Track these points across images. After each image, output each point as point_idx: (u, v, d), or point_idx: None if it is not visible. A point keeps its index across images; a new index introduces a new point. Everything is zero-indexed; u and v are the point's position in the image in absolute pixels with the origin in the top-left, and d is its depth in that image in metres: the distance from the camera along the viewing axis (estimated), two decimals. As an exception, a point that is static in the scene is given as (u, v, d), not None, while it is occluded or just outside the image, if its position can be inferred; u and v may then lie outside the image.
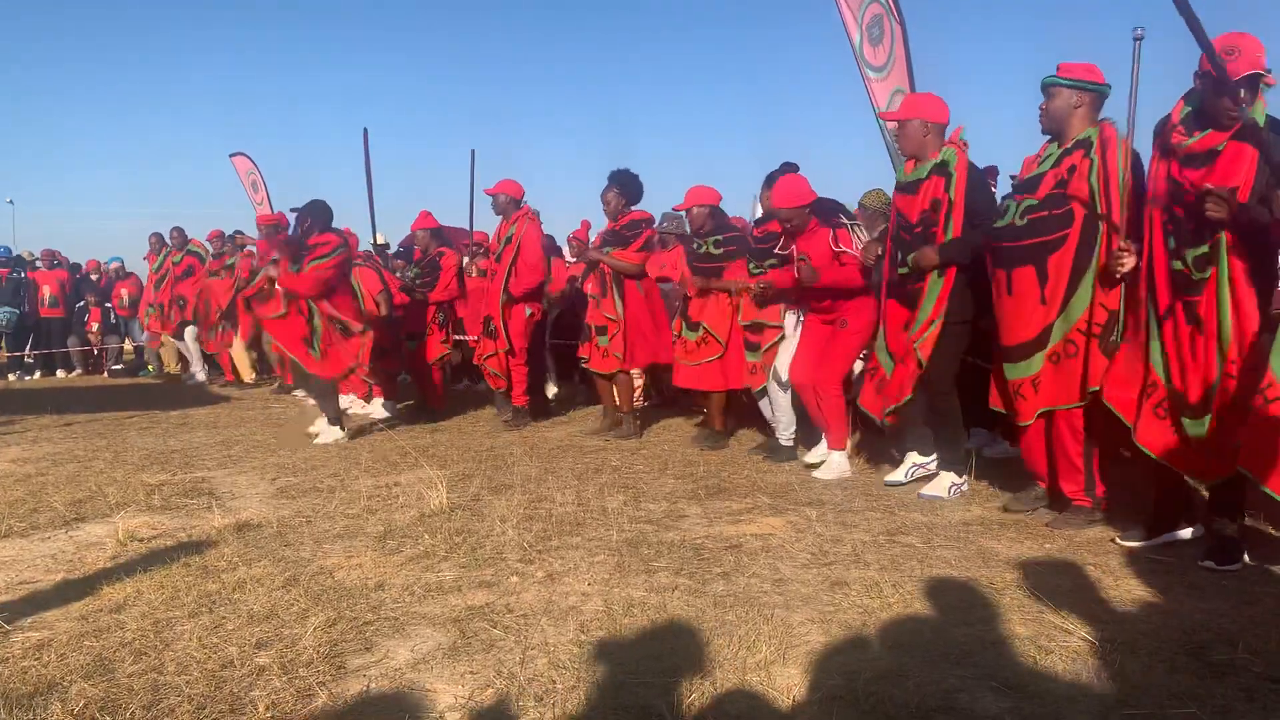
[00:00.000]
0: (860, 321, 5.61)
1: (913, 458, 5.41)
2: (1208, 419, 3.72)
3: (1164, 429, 3.90)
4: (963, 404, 6.19)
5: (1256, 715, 2.54)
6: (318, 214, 7.28)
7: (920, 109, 4.96)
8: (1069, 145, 4.25)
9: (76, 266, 15.62)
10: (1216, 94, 3.59)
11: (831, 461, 5.74)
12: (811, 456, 6.00)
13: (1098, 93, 4.24)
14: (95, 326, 14.81)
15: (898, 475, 5.41)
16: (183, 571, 3.96)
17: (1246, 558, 3.79)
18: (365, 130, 13.06)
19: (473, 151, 8.00)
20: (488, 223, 8.61)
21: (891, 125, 5.10)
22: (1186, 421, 3.80)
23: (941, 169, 4.85)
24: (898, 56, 6.94)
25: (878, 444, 6.11)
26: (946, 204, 4.79)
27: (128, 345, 15.16)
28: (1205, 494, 4.12)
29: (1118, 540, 4.14)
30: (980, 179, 4.96)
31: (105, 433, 8.11)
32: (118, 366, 14.80)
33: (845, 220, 5.64)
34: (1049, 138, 4.40)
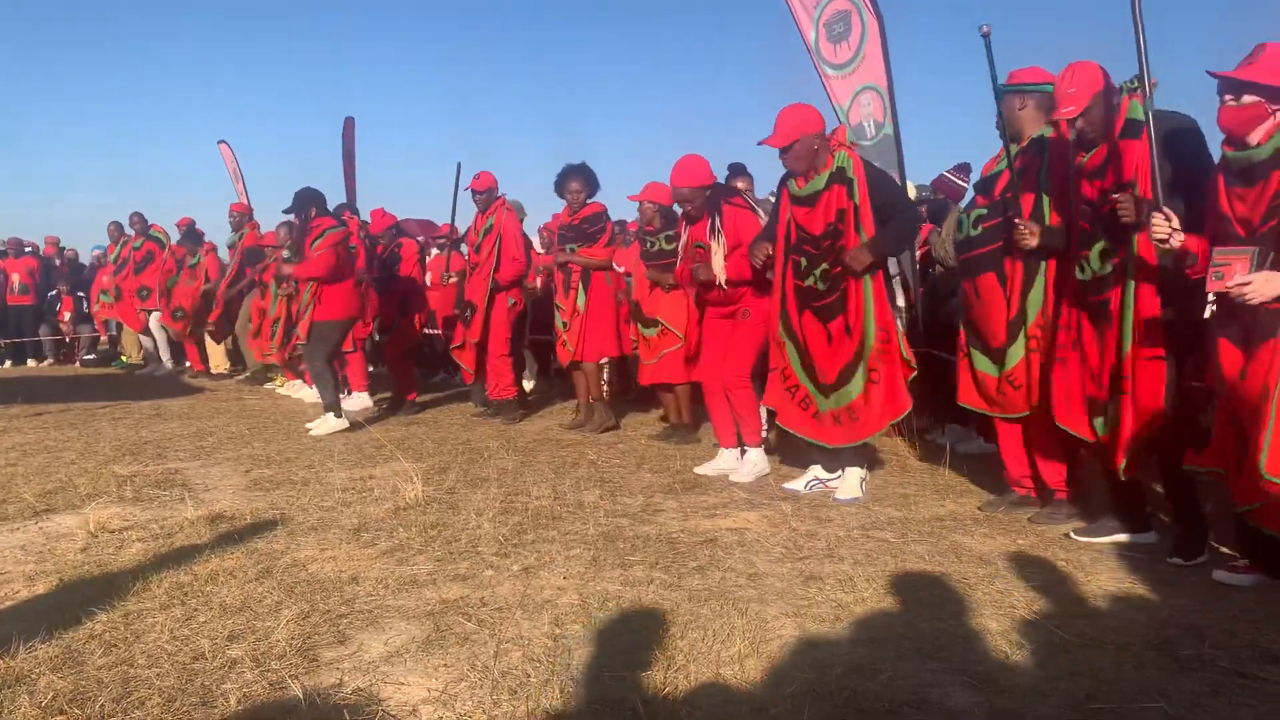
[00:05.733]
0: (762, 310, 5.46)
1: (815, 470, 5.26)
2: (1111, 413, 3.90)
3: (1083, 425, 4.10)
4: (938, 397, 6.25)
5: (1222, 710, 2.57)
6: (312, 200, 7.50)
7: (800, 126, 4.82)
8: (1025, 145, 4.33)
9: (50, 259, 15.41)
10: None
11: (749, 459, 5.59)
12: (705, 469, 5.77)
13: (1042, 93, 4.29)
14: (67, 315, 14.64)
15: (796, 484, 5.26)
16: (154, 563, 3.93)
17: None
18: (350, 119, 13.02)
19: (459, 164, 8.05)
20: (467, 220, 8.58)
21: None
22: (1097, 421, 4.00)
23: (840, 176, 4.79)
24: (870, 53, 6.93)
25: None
26: (853, 210, 4.75)
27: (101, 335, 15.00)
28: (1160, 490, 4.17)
29: (1071, 534, 4.20)
30: (882, 175, 4.91)
31: (77, 423, 8.03)
32: (90, 356, 14.64)
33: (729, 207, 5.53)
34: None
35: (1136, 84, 3.71)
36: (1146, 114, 3.50)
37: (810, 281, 4.93)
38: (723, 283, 5.42)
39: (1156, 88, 3.68)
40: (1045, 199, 4.23)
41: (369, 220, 9.39)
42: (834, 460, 5.18)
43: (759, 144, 4.90)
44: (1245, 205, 3.30)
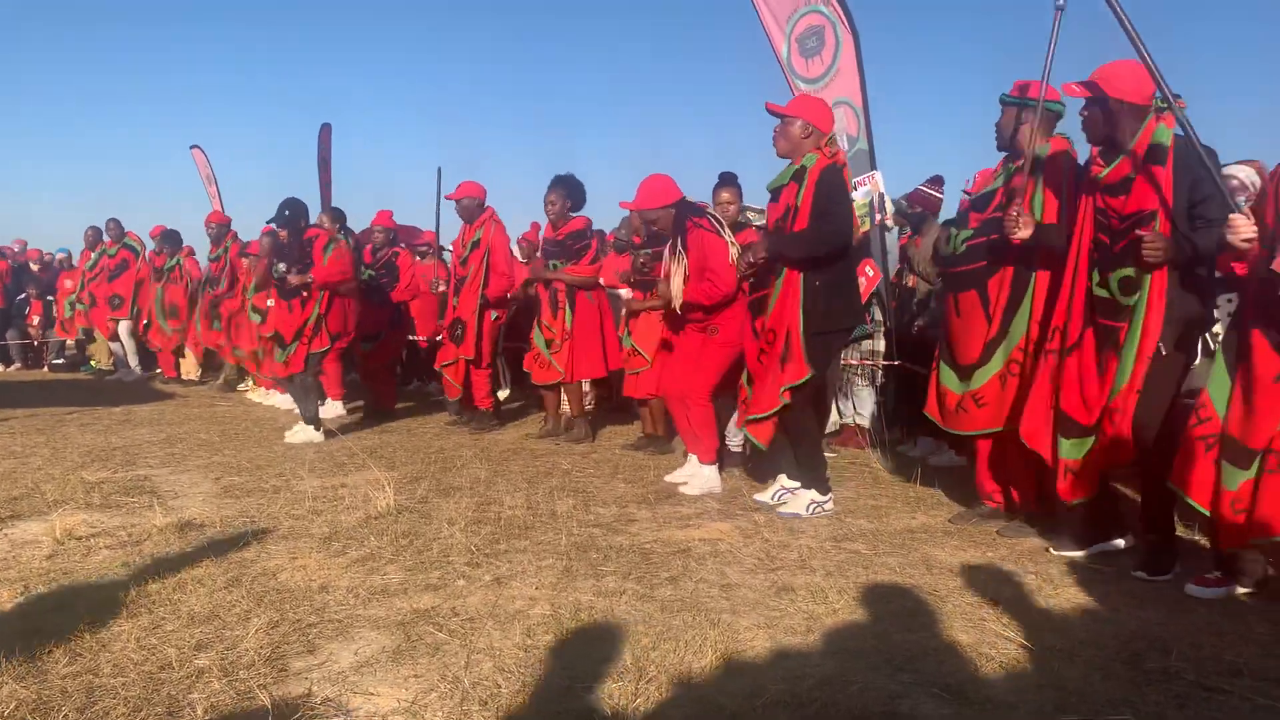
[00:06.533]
0: (731, 331, 5.43)
1: (782, 479, 5.21)
2: (1090, 442, 3.88)
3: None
4: (908, 412, 6.29)
5: (1188, 722, 2.60)
6: (303, 212, 7.51)
7: (807, 110, 4.82)
8: (1021, 163, 4.30)
9: (25, 263, 15.21)
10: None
11: (701, 475, 5.54)
12: (675, 476, 5.76)
13: (1046, 109, 4.26)
14: (36, 320, 14.46)
15: (765, 495, 5.22)
16: (121, 571, 3.89)
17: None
18: (327, 126, 12.94)
19: (439, 169, 8.02)
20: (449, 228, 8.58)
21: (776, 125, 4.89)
22: (1066, 443, 3.97)
23: (800, 174, 4.74)
24: (845, 68, 6.96)
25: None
26: (794, 209, 4.71)
27: (70, 339, 14.80)
28: (1139, 502, 4.21)
29: (1051, 550, 4.22)
30: (833, 187, 4.70)
31: (44, 429, 7.92)
32: (59, 361, 14.45)
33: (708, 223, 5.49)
34: (1004, 154, 4.49)
35: (1165, 104, 3.66)
36: (1185, 128, 3.49)
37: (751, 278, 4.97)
38: (677, 306, 5.41)
39: (1185, 109, 3.68)
40: (1038, 214, 4.19)
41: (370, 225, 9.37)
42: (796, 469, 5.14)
43: (765, 106, 4.89)
44: None
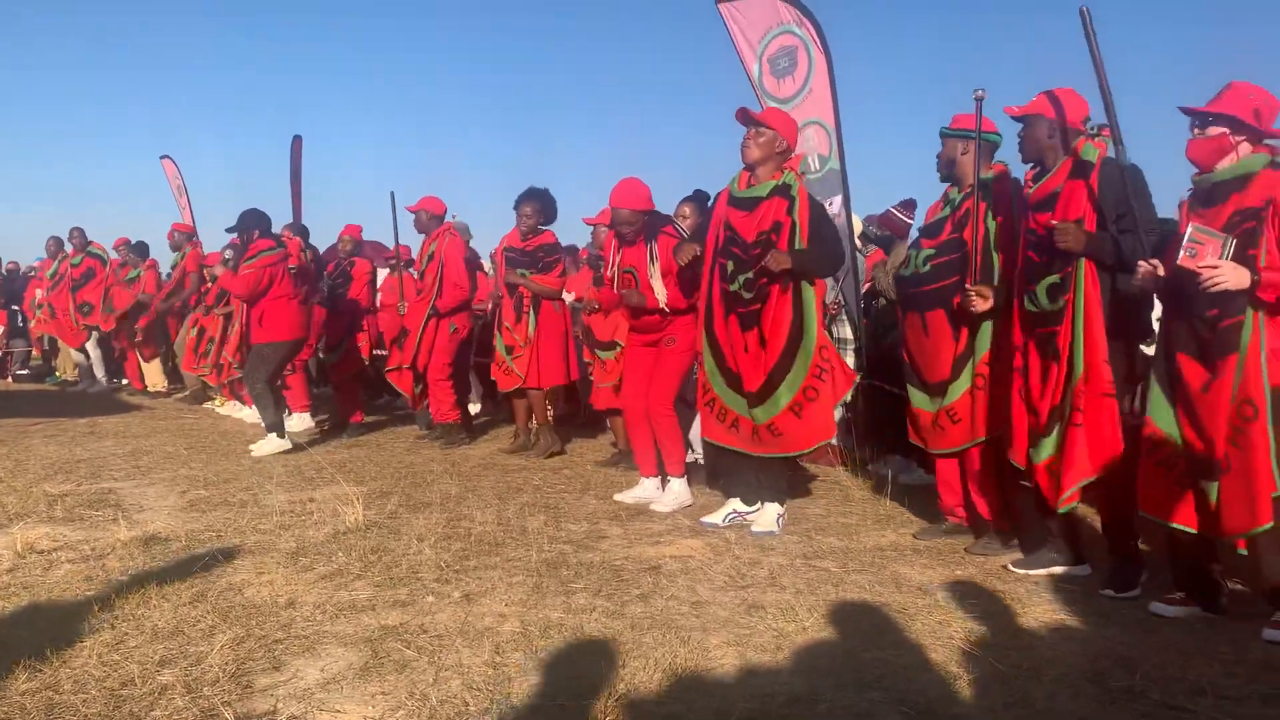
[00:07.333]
0: (687, 338, 5.44)
1: (734, 504, 5.15)
2: (1051, 442, 3.92)
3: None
4: (880, 428, 6.32)
5: (1152, 740, 2.62)
6: (256, 221, 7.50)
7: (781, 123, 4.89)
8: (966, 190, 4.42)
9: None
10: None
11: (671, 489, 5.54)
12: (624, 496, 5.74)
13: (985, 141, 4.37)
14: (1, 330, 14.26)
15: (715, 517, 5.16)
16: (84, 585, 3.83)
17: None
18: (298, 138, 12.90)
19: (392, 193, 8.10)
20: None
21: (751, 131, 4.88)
22: (1032, 448, 4.02)
23: (784, 191, 4.76)
24: (818, 88, 7.03)
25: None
26: (790, 225, 4.71)
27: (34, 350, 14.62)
28: (1099, 524, 4.25)
29: (1009, 566, 4.26)
30: (823, 211, 4.88)
31: (6, 439, 7.81)
32: (23, 371, 14.27)
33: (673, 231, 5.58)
34: (948, 184, 4.62)
35: (1097, 131, 3.85)
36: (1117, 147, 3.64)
37: (735, 287, 4.86)
38: (664, 305, 5.41)
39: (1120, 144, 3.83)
40: (991, 238, 4.30)
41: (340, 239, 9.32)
42: (753, 493, 5.12)
43: (735, 113, 4.89)
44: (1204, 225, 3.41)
